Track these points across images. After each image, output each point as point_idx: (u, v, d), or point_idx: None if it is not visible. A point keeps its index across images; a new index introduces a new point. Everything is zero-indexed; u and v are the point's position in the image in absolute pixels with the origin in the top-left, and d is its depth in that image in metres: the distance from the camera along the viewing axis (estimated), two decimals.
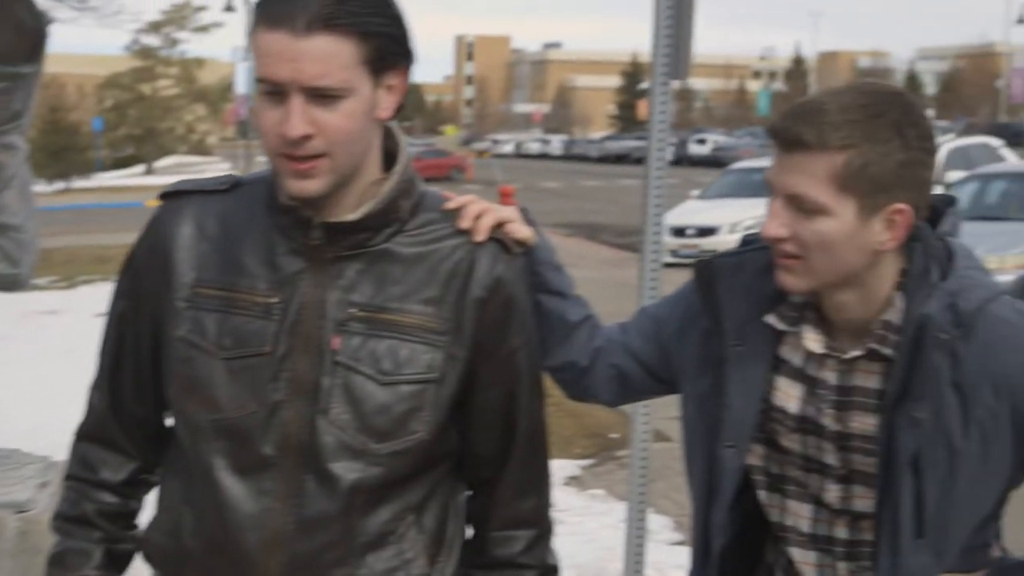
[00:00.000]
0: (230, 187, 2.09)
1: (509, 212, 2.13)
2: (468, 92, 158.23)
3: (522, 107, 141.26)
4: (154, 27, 60.54)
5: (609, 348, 2.36)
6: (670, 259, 16.09)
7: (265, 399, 1.96)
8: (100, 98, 64.51)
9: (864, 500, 2.10)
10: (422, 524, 2.05)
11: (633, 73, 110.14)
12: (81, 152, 51.47)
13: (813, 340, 2.11)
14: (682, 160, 58.23)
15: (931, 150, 2.02)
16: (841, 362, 2.10)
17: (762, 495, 2.22)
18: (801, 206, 2.00)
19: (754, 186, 19.27)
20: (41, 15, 2.41)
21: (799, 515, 2.18)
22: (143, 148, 62.10)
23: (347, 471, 1.96)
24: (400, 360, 1.97)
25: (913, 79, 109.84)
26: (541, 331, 2.26)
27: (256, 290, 1.99)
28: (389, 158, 2.05)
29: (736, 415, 2.17)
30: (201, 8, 61.54)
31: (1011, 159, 21.12)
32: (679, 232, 19.19)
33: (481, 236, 2.05)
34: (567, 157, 78.13)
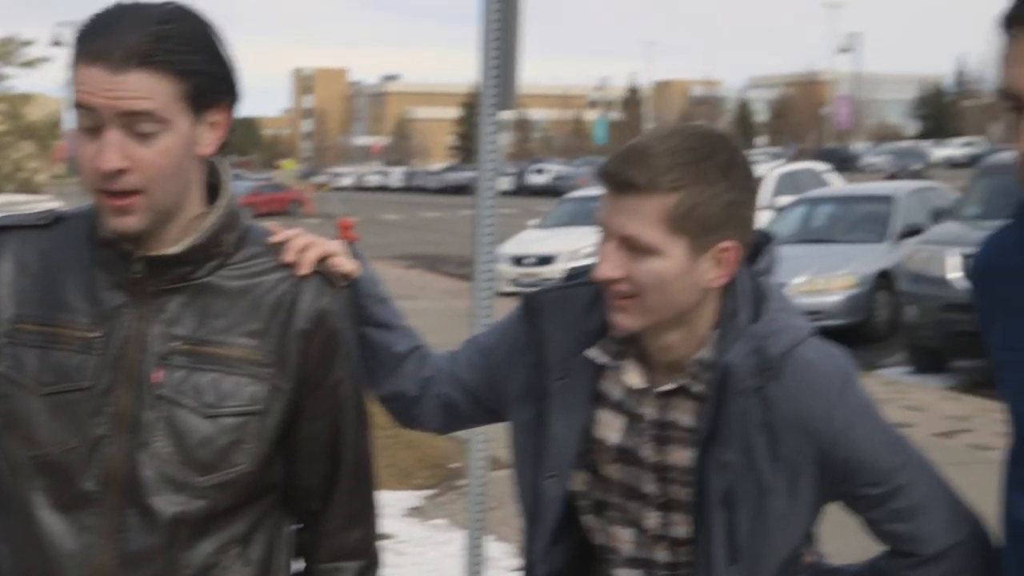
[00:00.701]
0: (51, 222, 2.08)
1: (334, 246, 2.15)
2: (307, 125, 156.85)
3: (361, 140, 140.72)
4: None
5: (438, 377, 2.38)
6: (510, 288, 16.22)
7: (87, 434, 1.95)
8: None
9: (682, 527, 2.16)
10: (248, 556, 2.05)
11: (472, 104, 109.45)
12: None
13: (634, 376, 2.17)
14: (521, 190, 58.71)
15: (754, 190, 2.11)
16: (658, 397, 2.15)
17: (588, 519, 2.27)
18: (634, 247, 2.04)
19: (591, 214, 19.32)
20: None
21: (621, 539, 2.23)
22: None
23: (169, 504, 1.95)
24: (223, 392, 1.97)
25: (745, 107, 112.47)
26: (369, 363, 2.28)
27: (77, 325, 1.98)
28: (215, 192, 2.06)
29: (558, 447, 2.20)
30: (27, 43, 59.85)
31: (836, 183, 21.79)
32: (518, 261, 19.35)
33: (305, 269, 2.06)
34: (407, 189, 78.20)
